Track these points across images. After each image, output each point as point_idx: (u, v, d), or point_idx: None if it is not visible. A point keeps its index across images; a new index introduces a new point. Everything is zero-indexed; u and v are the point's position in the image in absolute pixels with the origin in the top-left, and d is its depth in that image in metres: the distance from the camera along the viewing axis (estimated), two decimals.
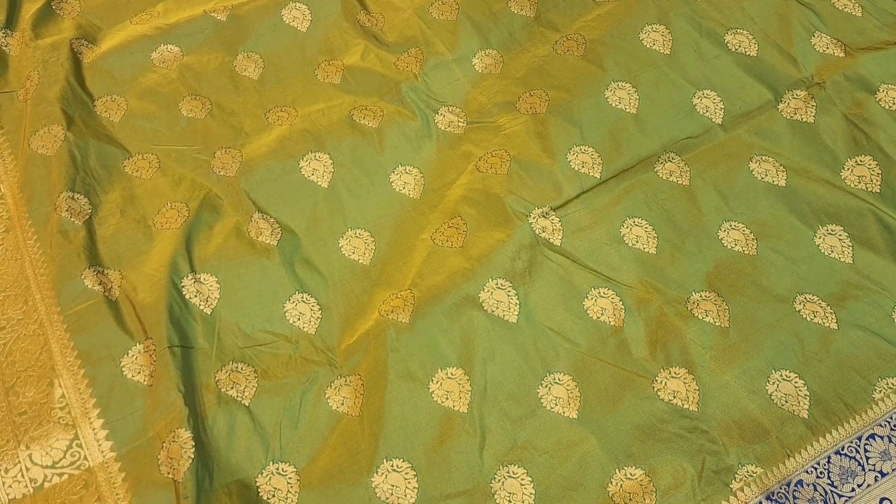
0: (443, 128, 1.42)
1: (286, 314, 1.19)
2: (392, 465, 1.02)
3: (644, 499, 1.01)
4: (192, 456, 1.01)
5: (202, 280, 1.20)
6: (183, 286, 1.18)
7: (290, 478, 1.02)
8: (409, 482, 1.01)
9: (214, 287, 1.20)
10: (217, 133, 1.41)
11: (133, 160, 1.36)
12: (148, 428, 1.04)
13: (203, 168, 1.35)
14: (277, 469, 1.03)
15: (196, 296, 1.18)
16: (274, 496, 1.01)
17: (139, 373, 1.09)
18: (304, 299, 1.21)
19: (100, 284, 1.18)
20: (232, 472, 1.02)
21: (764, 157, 1.35)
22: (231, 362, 1.13)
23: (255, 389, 1.11)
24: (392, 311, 1.17)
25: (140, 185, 1.33)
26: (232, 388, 1.10)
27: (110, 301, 1.16)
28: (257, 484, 1.02)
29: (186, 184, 1.32)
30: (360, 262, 1.26)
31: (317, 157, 1.36)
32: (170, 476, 1.00)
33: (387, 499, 1.00)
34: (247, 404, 1.09)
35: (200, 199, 1.29)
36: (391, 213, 1.32)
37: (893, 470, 1.05)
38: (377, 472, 1.02)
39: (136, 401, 1.07)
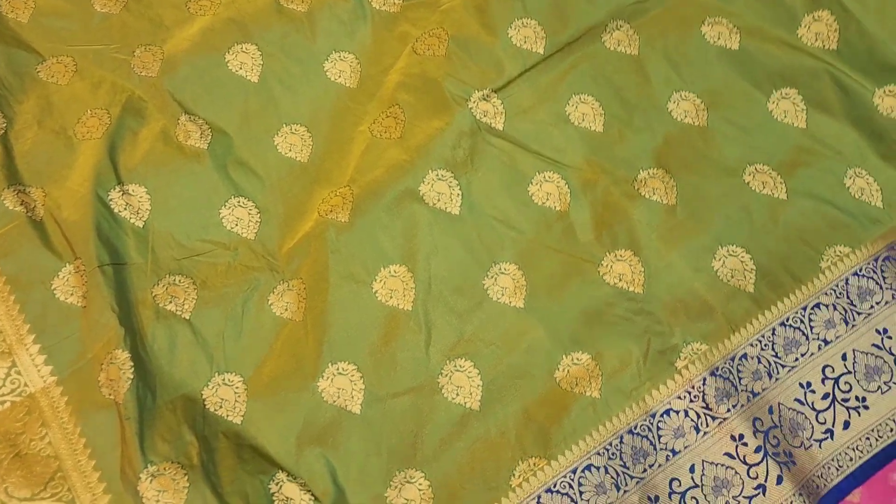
0: (377, 6, 1.32)
1: (223, 220, 1.14)
2: (337, 369, 1.02)
3: (590, 382, 1.02)
4: (132, 377, 0.99)
5: (131, 191, 1.14)
6: (110, 199, 1.13)
7: (236, 388, 1.02)
8: (355, 384, 1.01)
9: (144, 198, 1.14)
10: (135, 28, 1.30)
11: (47, 64, 1.26)
12: (86, 350, 1.02)
13: (123, 68, 1.25)
14: (223, 380, 1.02)
15: (125, 209, 1.13)
16: (221, 407, 1.00)
17: (72, 294, 1.06)
18: (241, 203, 1.16)
19: (21, 205, 1.12)
20: (176, 388, 1.01)
21: (717, 20, 1.26)
22: (168, 275, 1.09)
23: (194, 302, 1.08)
24: (331, 211, 1.13)
25: (57, 92, 1.24)
26: (170, 302, 1.07)
27: (34, 221, 1.11)
28: (203, 397, 1.01)
29: (106, 87, 1.23)
30: (298, 159, 1.21)
31: (244, 49, 1.27)
32: (111, 398, 0.99)
33: (334, 402, 1.00)
34: (187, 317, 1.06)
35: (122, 103, 1.20)
36: (327, 105, 1.25)
37: (837, 338, 1.06)
38: (322, 377, 1.01)
39: (71, 323, 1.04)
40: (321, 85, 1.26)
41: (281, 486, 0.95)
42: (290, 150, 1.21)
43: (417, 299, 1.07)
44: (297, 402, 1.00)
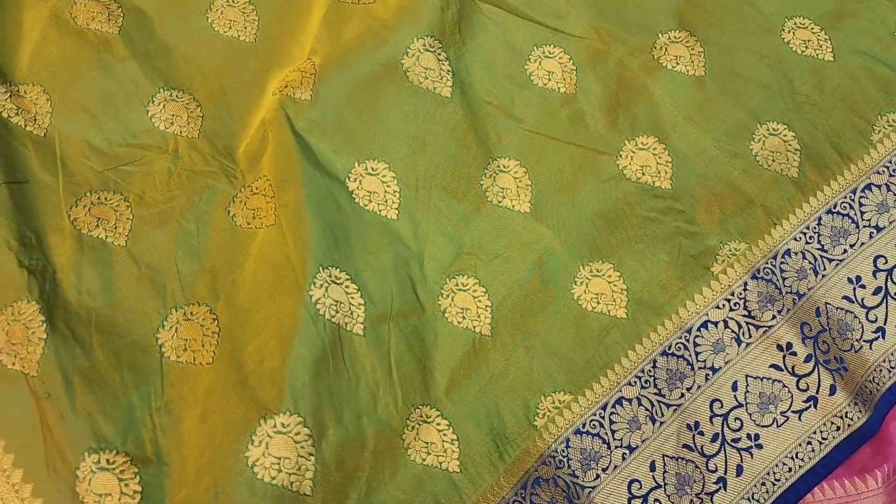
0: None
1: (153, 119, 0.93)
2: (330, 276, 0.83)
3: (613, 299, 0.87)
4: (45, 335, 0.78)
5: (22, 93, 0.91)
6: None
7: (202, 320, 0.83)
8: (352, 297, 0.84)
9: (42, 98, 0.91)
10: None
11: None
12: None
13: None
14: (184, 314, 0.83)
15: (17, 113, 0.90)
16: (185, 350, 0.81)
17: None
18: (175, 97, 0.94)
19: None
20: (119, 337, 0.81)
21: None
22: (89, 193, 0.87)
23: (129, 223, 0.87)
24: (287, 87, 0.93)
25: None
26: (97, 226, 0.86)
27: None
28: (159, 342, 0.81)
29: None
30: (242, 38, 0.99)
31: None
32: (16, 367, 0.77)
33: (332, 317, 0.82)
34: (122, 244, 0.85)
35: None
36: None
37: (891, 223, 0.92)
38: (314, 285, 0.82)
39: None
40: None
41: (266, 445, 0.77)
42: (230, 28, 0.99)
43: (403, 205, 0.90)
44: (292, 316, 0.81)
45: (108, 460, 0.75)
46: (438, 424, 0.81)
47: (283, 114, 0.91)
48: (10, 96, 0.91)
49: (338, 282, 0.84)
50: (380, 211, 0.89)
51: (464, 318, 0.86)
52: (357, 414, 0.79)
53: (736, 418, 0.84)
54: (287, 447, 0.75)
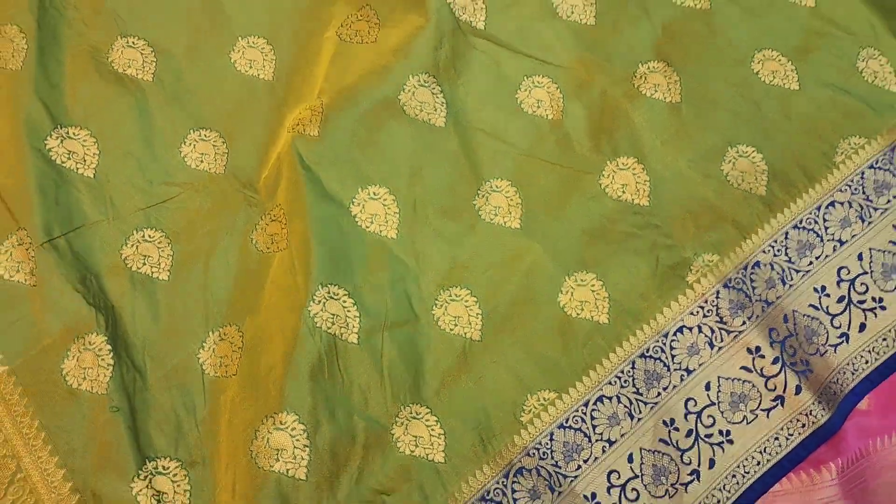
0: None
1: (185, 159, 1.01)
2: (329, 292, 0.92)
3: (596, 306, 0.95)
4: (112, 362, 0.89)
5: (73, 135, 1.00)
6: (49, 149, 0.98)
7: (233, 339, 0.93)
8: (348, 311, 0.92)
9: (90, 142, 1.00)
10: None
11: None
12: (42, 335, 0.90)
13: None
14: (219, 336, 0.93)
15: (69, 158, 0.99)
16: (220, 365, 0.91)
17: (17, 271, 0.93)
18: (203, 136, 1.03)
19: None
20: (168, 361, 0.91)
21: None
22: (135, 231, 0.97)
23: (170, 259, 0.96)
24: (299, 125, 1.01)
25: None
26: (144, 263, 0.95)
27: None
28: (200, 361, 0.91)
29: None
30: (261, 76, 1.08)
31: None
32: (80, 387, 0.88)
33: (328, 328, 0.91)
34: (166, 278, 0.95)
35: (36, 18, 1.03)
36: (286, 11, 1.11)
37: (853, 237, 1.00)
38: (314, 301, 0.91)
39: (19, 306, 0.91)
40: None
41: (267, 440, 0.86)
42: (251, 68, 1.08)
43: (402, 225, 0.98)
44: (291, 330, 0.90)
45: (163, 466, 0.87)
46: (427, 420, 0.89)
47: (295, 149, 0.99)
48: (61, 140, 0.99)
49: (335, 297, 0.92)
50: (381, 231, 0.98)
51: (456, 324, 0.94)
52: (349, 412, 0.89)
53: (709, 416, 0.92)
54: (284, 440, 0.86)
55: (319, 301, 0.91)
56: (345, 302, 0.93)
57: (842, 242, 1.00)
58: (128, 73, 1.04)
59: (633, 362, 0.93)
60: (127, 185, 0.99)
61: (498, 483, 0.87)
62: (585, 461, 0.88)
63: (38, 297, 0.91)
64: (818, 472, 0.90)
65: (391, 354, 0.92)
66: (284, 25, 1.11)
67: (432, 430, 0.89)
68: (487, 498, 0.86)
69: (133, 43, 1.06)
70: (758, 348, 0.94)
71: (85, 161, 0.99)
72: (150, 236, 0.97)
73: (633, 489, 0.88)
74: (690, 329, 0.95)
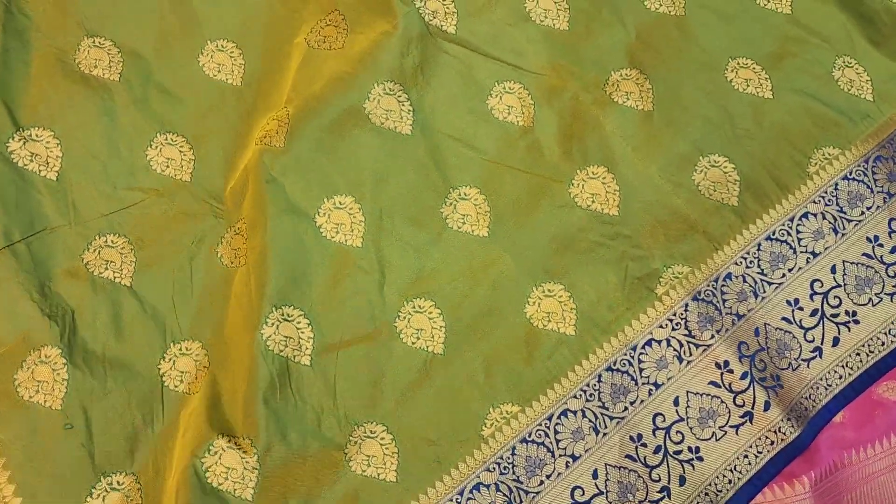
0: None
1: (151, 163, 0.99)
2: (282, 314, 0.90)
3: (563, 317, 0.93)
4: (67, 376, 0.87)
5: (35, 137, 0.97)
6: (11, 151, 0.96)
7: (196, 355, 0.90)
8: (302, 332, 0.90)
9: (53, 143, 0.97)
10: None
11: None
12: None
13: None
14: (181, 349, 0.90)
15: (32, 160, 0.96)
16: (182, 381, 0.89)
17: None
18: (170, 140, 1.01)
19: None
20: (128, 370, 0.89)
21: None
22: (97, 236, 0.94)
23: (133, 265, 0.93)
24: (266, 136, 0.99)
25: None
26: (106, 268, 0.93)
27: None
28: (161, 372, 0.89)
29: None
30: (230, 82, 1.05)
31: None
32: (37, 401, 0.86)
33: (280, 351, 0.88)
34: (128, 284, 0.92)
35: (1, 21, 1.02)
36: (257, 14, 1.09)
37: (826, 249, 0.98)
38: (266, 324, 0.89)
39: None
40: None
41: (220, 456, 0.83)
42: (219, 72, 1.05)
43: (367, 234, 0.96)
44: (248, 352, 0.88)
45: (118, 482, 0.84)
46: (382, 439, 0.87)
47: (261, 161, 0.97)
48: (24, 143, 0.97)
49: (289, 319, 0.90)
50: (346, 241, 0.95)
51: (418, 338, 0.92)
52: (302, 434, 0.86)
53: (678, 431, 0.89)
54: (234, 460, 0.83)
55: (273, 324, 0.89)
56: (299, 323, 0.90)
57: (815, 254, 0.98)
58: (94, 73, 1.02)
59: (600, 375, 0.91)
60: (90, 188, 0.96)
61: (451, 500, 0.84)
62: (548, 476, 0.86)
63: None
64: (791, 485, 0.88)
65: (346, 373, 0.89)
66: (255, 29, 1.08)
67: (386, 448, 0.86)
68: None
69: (100, 43, 1.03)
70: (726, 363, 0.92)
71: (48, 164, 0.97)
72: (112, 242, 0.94)
73: None
74: (659, 342, 0.93)
